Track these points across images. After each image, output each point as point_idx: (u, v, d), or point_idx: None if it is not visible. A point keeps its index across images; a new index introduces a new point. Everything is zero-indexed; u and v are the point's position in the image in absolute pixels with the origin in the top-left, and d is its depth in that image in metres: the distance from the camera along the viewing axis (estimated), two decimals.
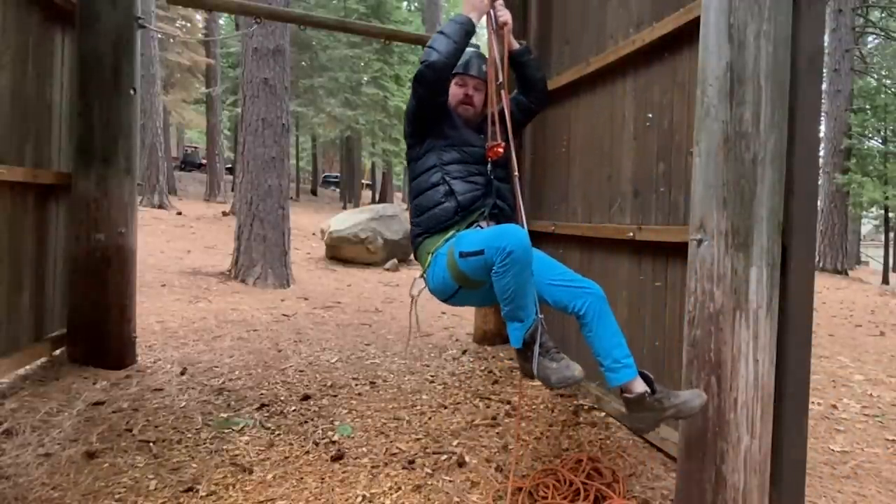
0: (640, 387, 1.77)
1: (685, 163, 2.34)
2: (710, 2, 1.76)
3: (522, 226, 1.97)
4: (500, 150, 2.09)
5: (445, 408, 2.83)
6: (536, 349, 1.77)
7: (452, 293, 2.02)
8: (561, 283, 1.93)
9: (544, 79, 2.41)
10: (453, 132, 2.18)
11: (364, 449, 2.34)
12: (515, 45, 2.30)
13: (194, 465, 2.12)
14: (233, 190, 14.99)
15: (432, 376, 3.34)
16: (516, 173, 2.13)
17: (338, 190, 28.75)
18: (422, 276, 2.15)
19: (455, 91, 2.26)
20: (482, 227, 2.06)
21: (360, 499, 1.95)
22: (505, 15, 2.19)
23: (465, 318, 5.17)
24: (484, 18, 2.17)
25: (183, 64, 18.12)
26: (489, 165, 2.15)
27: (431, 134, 2.18)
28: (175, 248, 8.82)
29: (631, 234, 2.61)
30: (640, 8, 2.70)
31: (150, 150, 14.02)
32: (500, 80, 2.15)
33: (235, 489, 1.98)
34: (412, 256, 11.21)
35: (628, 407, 1.81)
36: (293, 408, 2.74)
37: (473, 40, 2.20)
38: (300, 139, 27.56)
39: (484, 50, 2.36)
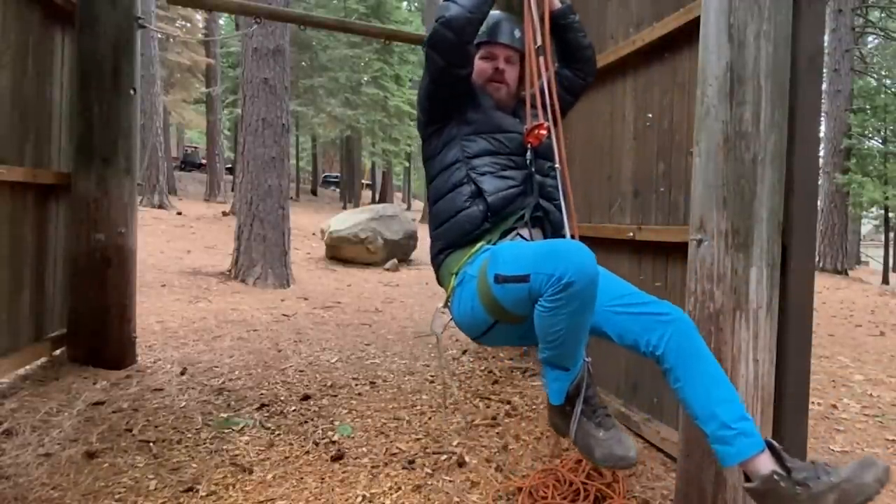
0: (765, 465, 1.21)
1: (685, 163, 2.34)
2: (710, 2, 1.76)
3: (573, 234, 1.56)
4: (544, 132, 1.63)
5: (445, 408, 2.83)
6: (579, 407, 1.36)
7: (486, 329, 1.52)
8: (627, 310, 1.40)
9: (592, 45, 1.92)
10: (480, 116, 1.72)
11: (364, 449, 2.34)
12: (557, 3, 1.83)
13: (194, 465, 2.12)
14: (233, 190, 15.00)
15: (432, 376, 3.34)
16: (557, 165, 1.66)
17: (338, 190, 28.78)
18: (445, 305, 1.66)
19: (481, 66, 1.79)
20: (524, 238, 1.62)
21: (360, 499, 1.95)
22: None
23: None
24: None
25: (183, 64, 18.13)
26: (529, 155, 1.67)
27: (452, 120, 1.73)
28: (175, 248, 8.83)
29: (631, 234, 2.61)
30: (640, 8, 2.70)
31: (151, 150, 14.02)
32: (539, 42, 1.69)
33: (235, 489, 1.97)
34: (412, 255, 11.01)
35: (758, 500, 1.24)
36: (293, 408, 2.74)
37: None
38: (300, 139, 27.58)
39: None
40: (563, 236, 1.61)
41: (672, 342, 1.32)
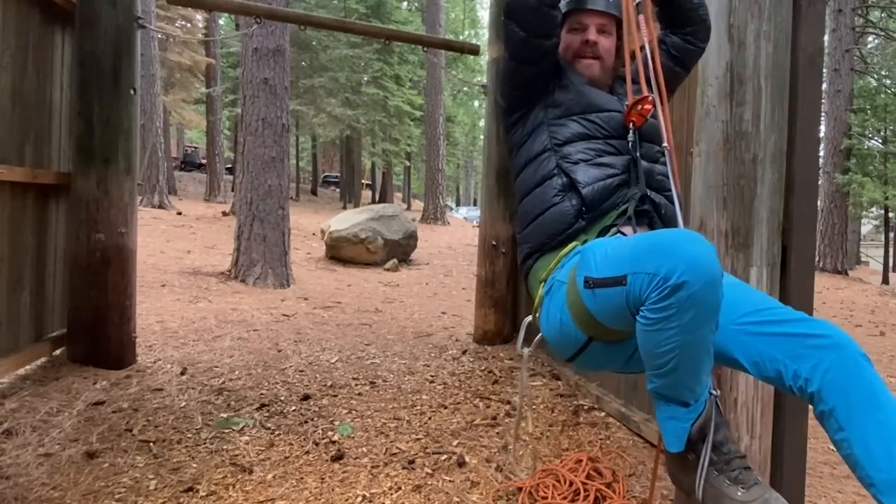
0: None
1: (685, 163, 2.34)
2: (710, 2, 1.76)
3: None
4: (649, 107, 1.38)
5: (445, 408, 2.83)
6: (706, 456, 1.05)
7: (578, 349, 1.24)
8: (765, 329, 1.07)
9: (703, 3, 1.59)
10: (568, 96, 1.47)
11: (364, 449, 2.34)
12: None
13: (194, 465, 2.12)
14: (233, 190, 15.00)
15: (432, 376, 3.34)
16: (665, 144, 1.41)
17: (338, 190, 28.78)
18: (534, 317, 1.40)
19: (569, 39, 1.54)
20: (624, 235, 1.31)
21: (360, 499, 1.95)
22: None
23: (465, 318, 5.17)
24: None
25: (183, 64, 18.11)
26: (631, 136, 1.40)
27: (538, 104, 1.49)
28: (175, 248, 8.82)
29: None
30: None
31: (151, 150, 14.02)
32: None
33: (235, 489, 1.98)
34: (412, 255, 10.94)
35: None
36: (293, 408, 2.74)
37: None
38: (300, 139, 27.58)
39: None
40: None
41: (832, 376, 0.98)
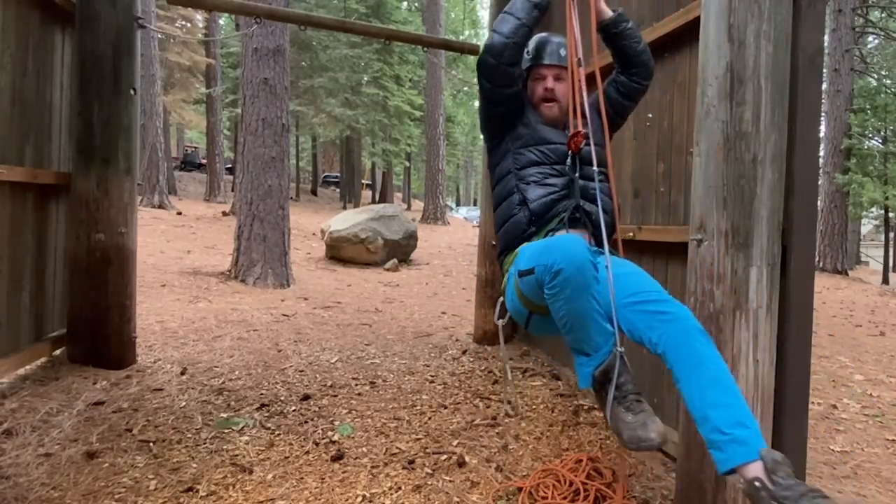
0: (753, 471, 1.21)
1: (685, 163, 2.34)
2: (710, 2, 1.76)
3: (607, 234, 1.60)
4: (581, 138, 1.74)
5: (445, 408, 2.83)
6: (610, 393, 1.41)
7: (526, 320, 1.72)
8: (637, 307, 1.48)
9: (647, 50, 1.95)
10: (528, 130, 1.89)
11: (364, 449, 2.34)
12: (608, 13, 1.89)
13: (194, 465, 2.12)
14: (233, 190, 15.00)
15: (432, 376, 3.34)
16: (595, 167, 1.71)
17: (338, 190, 28.77)
18: (503, 298, 1.87)
19: (532, 87, 1.95)
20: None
21: (360, 499, 1.95)
22: None
23: (465, 318, 5.17)
24: None
25: (183, 64, 18.10)
26: (570, 161, 1.80)
27: (507, 136, 1.92)
28: (175, 248, 8.82)
29: (631, 234, 2.61)
30: (640, 8, 2.70)
31: (151, 150, 14.02)
32: (579, 55, 1.74)
33: (235, 489, 1.98)
34: (412, 255, 10.99)
35: (749, 499, 1.24)
36: (293, 408, 2.74)
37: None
38: (300, 139, 27.56)
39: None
40: (606, 236, 1.63)
41: (670, 341, 1.38)
